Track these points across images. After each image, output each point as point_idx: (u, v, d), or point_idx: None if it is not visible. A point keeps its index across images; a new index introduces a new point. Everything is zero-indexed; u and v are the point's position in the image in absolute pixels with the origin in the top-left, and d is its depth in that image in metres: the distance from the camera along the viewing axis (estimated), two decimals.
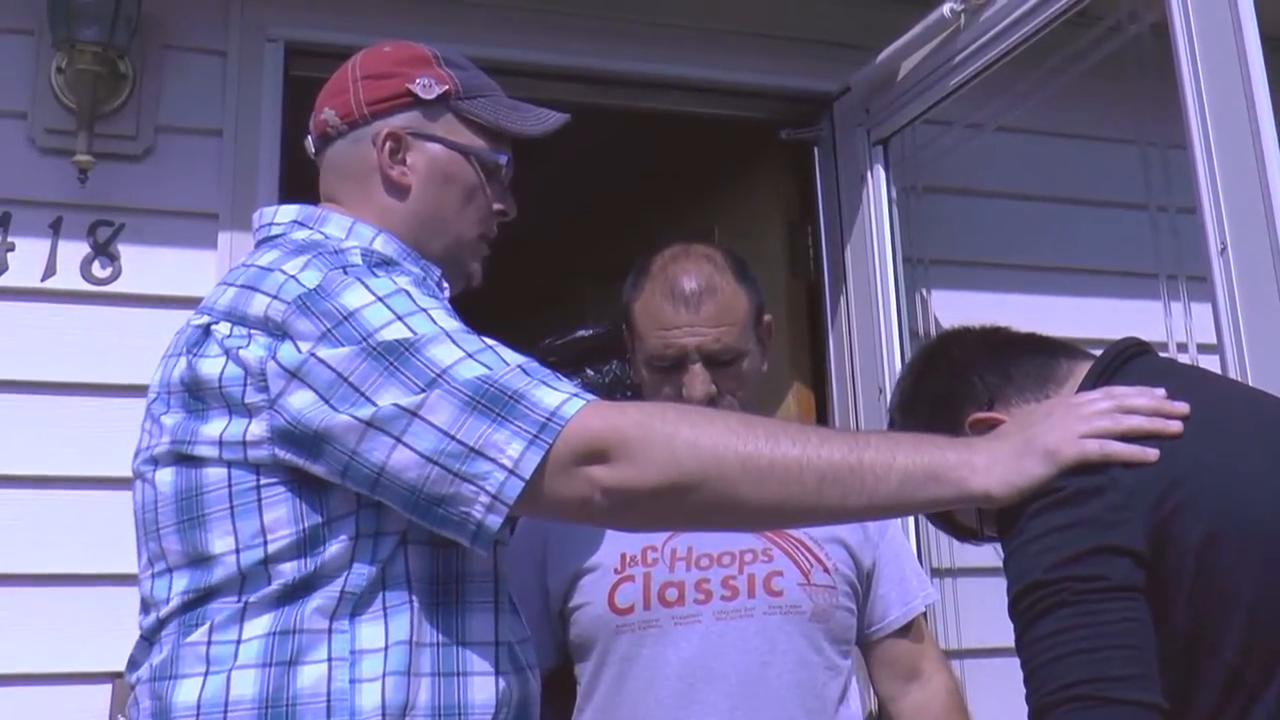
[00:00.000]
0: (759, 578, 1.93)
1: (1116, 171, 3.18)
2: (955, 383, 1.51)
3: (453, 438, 1.31)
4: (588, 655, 1.94)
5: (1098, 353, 1.47)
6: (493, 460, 1.31)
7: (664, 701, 1.87)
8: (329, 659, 1.36)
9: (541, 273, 3.91)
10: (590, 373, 2.84)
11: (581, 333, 2.91)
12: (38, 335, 2.65)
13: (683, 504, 1.35)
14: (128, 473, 1.53)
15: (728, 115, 3.36)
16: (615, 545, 1.94)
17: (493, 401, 1.32)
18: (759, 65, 3.21)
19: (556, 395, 1.33)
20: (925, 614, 2.15)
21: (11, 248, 2.68)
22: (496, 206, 1.68)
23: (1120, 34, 2.72)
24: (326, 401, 1.34)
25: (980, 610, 2.79)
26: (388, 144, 1.61)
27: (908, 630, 2.08)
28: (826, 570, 1.96)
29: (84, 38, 2.65)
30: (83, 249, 2.72)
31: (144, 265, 2.74)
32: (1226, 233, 2.10)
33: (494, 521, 1.32)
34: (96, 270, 2.72)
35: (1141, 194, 2.81)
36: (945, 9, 2.78)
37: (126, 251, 2.74)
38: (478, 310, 1.61)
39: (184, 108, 2.84)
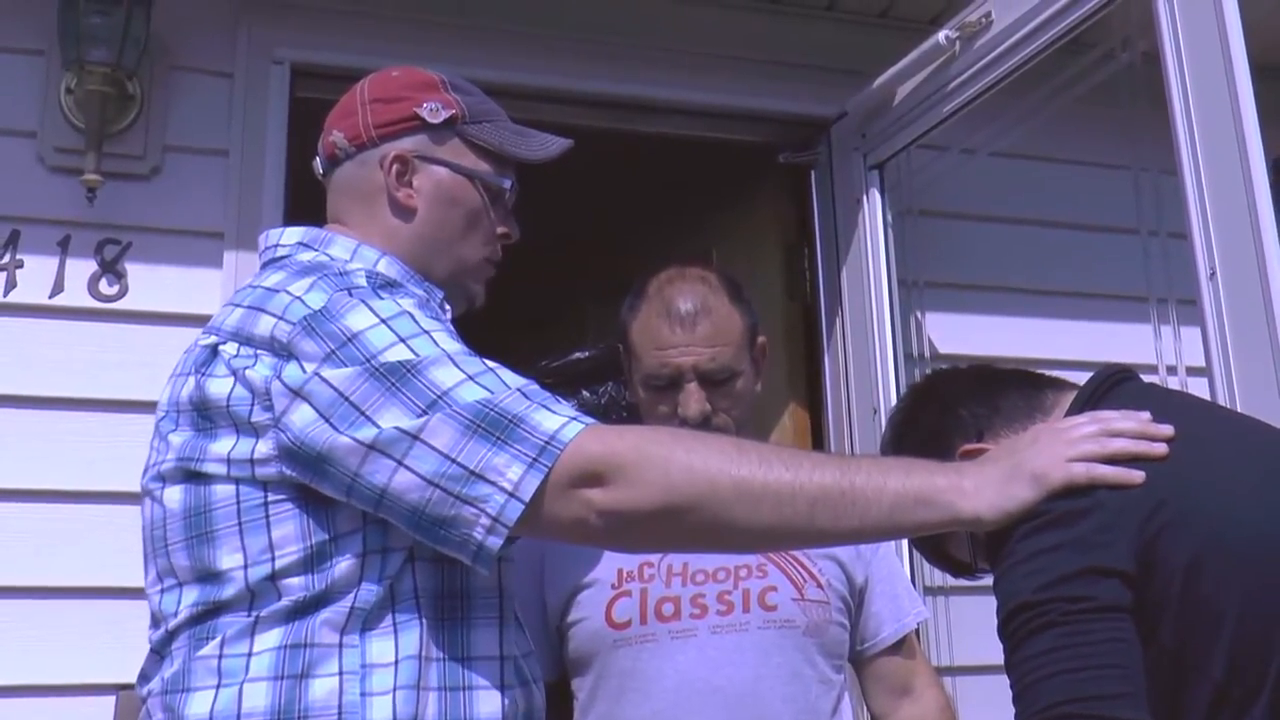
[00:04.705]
0: (754, 593, 1.95)
1: (1108, 196, 3.22)
2: (945, 417, 1.53)
3: (454, 461, 1.33)
4: (585, 669, 1.96)
5: (1083, 382, 1.50)
6: (493, 483, 1.33)
7: (660, 714, 1.89)
8: (340, 672, 1.37)
9: (540, 293, 3.93)
10: (586, 394, 2.86)
11: (577, 354, 2.92)
12: (46, 351, 2.68)
13: (677, 526, 1.37)
14: (133, 487, 1.54)
15: (727, 139, 3.38)
16: (612, 561, 1.96)
17: (493, 425, 1.34)
18: (758, 90, 3.24)
19: (556, 419, 1.35)
20: (917, 631, 2.16)
21: (20, 265, 2.70)
22: (500, 230, 1.70)
23: (1112, 62, 2.75)
24: (328, 421, 1.36)
25: (972, 628, 2.80)
26: (394, 167, 1.63)
27: (900, 647, 2.09)
28: (820, 586, 1.98)
29: (93, 59, 2.68)
30: (90, 267, 2.75)
31: (150, 283, 2.77)
32: (1216, 258, 2.12)
33: (494, 543, 1.34)
34: (104, 288, 2.74)
35: (1133, 219, 2.84)
36: (940, 36, 2.81)
37: (133, 269, 2.77)
38: (475, 330, 1.63)
39: (191, 128, 2.87)
